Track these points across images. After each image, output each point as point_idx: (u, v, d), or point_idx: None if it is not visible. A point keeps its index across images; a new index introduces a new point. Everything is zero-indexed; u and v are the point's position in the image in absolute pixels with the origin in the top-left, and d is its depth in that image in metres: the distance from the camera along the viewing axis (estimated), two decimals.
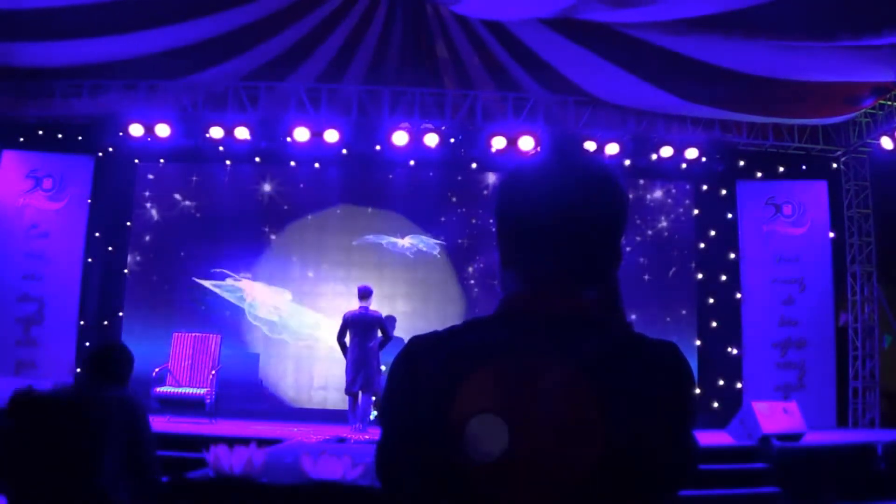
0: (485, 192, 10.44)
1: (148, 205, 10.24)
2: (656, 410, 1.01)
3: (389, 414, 1.12)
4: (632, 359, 1.04)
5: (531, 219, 1.13)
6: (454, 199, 10.42)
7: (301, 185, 10.38)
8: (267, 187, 10.32)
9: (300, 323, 10.11)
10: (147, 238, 10.20)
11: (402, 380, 1.11)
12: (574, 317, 1.09)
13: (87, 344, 9.55)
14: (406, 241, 10.24)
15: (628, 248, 10.12)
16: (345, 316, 8.11)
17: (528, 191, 1.14)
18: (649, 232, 10.29)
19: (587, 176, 1.15)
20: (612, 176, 1.16)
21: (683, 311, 10.21)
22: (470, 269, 10.28)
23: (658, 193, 10.50)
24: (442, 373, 1.05)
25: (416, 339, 1.13)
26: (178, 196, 10.27)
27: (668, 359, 1.06)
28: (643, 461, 0.99)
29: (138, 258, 10.16)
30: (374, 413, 8.55)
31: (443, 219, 10.30)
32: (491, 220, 8.97)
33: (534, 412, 0.99)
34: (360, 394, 7.99)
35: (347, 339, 7.99)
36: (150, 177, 10.33)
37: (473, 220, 10.30)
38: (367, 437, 7.49)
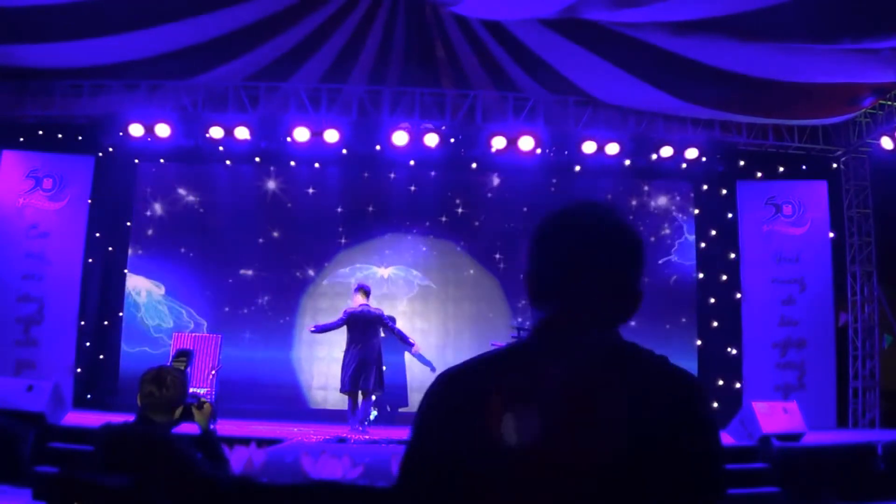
0: (488, 195, 10.43)
1: (148, 204, 10.24)
2: (686, 443, 1.12)
3: (421, 451, 1.19)
4: (665, 394, 1.16)
5: (571, 259, 1.26)
6: (455, 200, 10.41)
7: (301, 185, 10.36)
8: (269, 185, 10.32)
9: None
10: (147, 237, 10.19)
11: (435, 420, 1.19)
12: (613, 348, 1.22)
13: (88, 344, 9.56)
14: (388, 272, 10.22)
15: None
16: (347, 311, 8.17)
17: (566, 236, 1.29)
18: (652, 238, 10.26)
19: (612, 221, 1.30)
20: (628, 222, 1.33)
21: (683, 312, 10.19)
22: (471, 271, 10.26)
23: (658, 194, 10.49)
24: (483, 410, 1.12)
25: (448, 376, 1.21)
26: (177, 196, 10.27)
27: (695, 392, 1.19)
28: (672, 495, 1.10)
29: (140, 253, 10.15)
30: (373, 413, 8.54)
31: (443, 219, 10.30)
32: (510, 225, 8.62)
33: (575, 448, 1.08)
34: (361, 394, 7.99)
35: (332, 333, 8.37)
36: (151, 176, 10.32)
37: (476, 223, 10.29)
38: (366, 437, 7.48)
